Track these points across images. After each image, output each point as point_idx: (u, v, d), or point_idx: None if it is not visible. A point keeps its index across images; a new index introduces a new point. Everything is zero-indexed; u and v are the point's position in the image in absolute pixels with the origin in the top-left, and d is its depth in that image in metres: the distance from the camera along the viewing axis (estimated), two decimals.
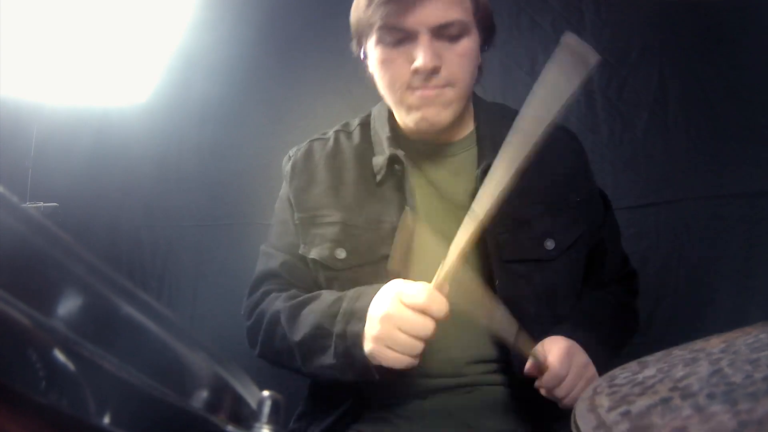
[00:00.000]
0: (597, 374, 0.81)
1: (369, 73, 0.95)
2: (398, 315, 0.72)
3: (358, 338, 0.76)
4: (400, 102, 0.87)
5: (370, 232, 0.90)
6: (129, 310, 0.28)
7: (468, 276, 0.77)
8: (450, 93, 0.86)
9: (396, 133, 0.95)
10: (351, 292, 0.83)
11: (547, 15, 1.39)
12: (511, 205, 0.90)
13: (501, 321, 0.77)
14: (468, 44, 0.86)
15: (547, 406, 0.81)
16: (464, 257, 0.73)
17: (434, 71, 0.83)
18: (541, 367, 0.78)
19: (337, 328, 0.79)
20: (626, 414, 0.35)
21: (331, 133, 1.01)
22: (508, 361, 0.87)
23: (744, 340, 0.41)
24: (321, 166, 0.96)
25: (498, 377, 0.89)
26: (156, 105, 1.51)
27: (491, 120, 0.95)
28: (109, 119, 1.51)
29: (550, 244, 0.90)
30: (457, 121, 0.91)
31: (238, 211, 1.51)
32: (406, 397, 0.88)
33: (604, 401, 0.37)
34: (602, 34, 1.36)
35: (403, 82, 0.85)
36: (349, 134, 1.00)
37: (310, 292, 0.93)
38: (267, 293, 0.94)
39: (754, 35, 1.24)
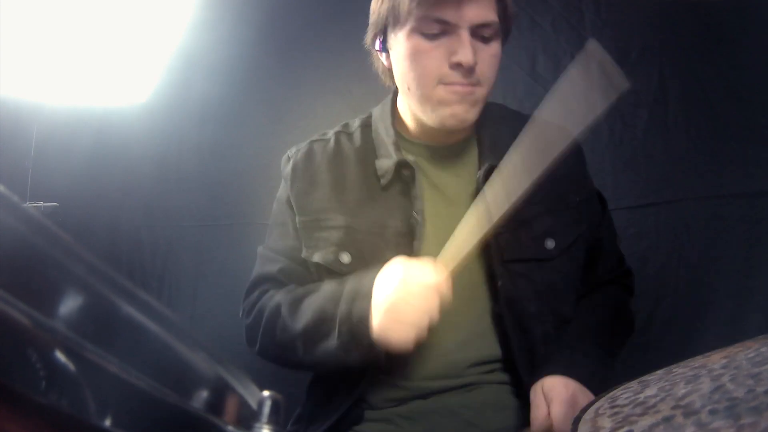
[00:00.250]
0: None
1: (381, 65, 0.94)
2: (407, 289, 0.74)
3: (365, 316, 0.77)
4: (429, 96, 0.86)
5: (374, 236, 0.90)
6: (129, 310, 0.28)
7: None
8: (480, 92, 0.86)
9: (400, 136, 0.95)
10: (352, 276, 0.84)
11: (547, 15, 1.39)
12: (512, 206, 0.91)
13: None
14: (497, 46, 0.87)
15: None
16: (469, 242, 0.74)
17: (473, 68, 0.83)
18: (547, 427, 0.78)
19: (342, 309, 0.80)
20: None
21: (331, 135, 1.00)
22: (510, 361, 0.88)
23: (745, 354, 0.41)
24: (323, 169, 0.95)
25: (499, 376, 0.89)
26: (156, 105, 1.51)
27: (491, 121, 0.95)
28: (109, 119, 1.51)
29: (550, 244, 0.90)
30: None
31: (238, 211, 1.51)
32: (408, 397, 0.88)
33: (606, 422, 0.37)
34: (602, 34, 1.36)
35: (438, 75, 0.84)
36: (349, 135, 0.99)
37: None
38: (264, 292, 0.94)
39: (754, 35, 1.24)
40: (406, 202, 0.90)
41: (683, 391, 0.38)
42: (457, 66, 0.83)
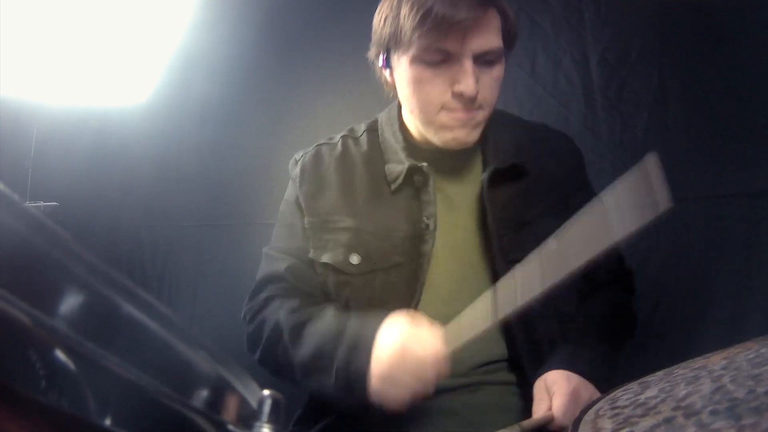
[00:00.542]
0: None
1: (384, 79, 0.95)
2: (406, 359, 0.74)
3: (362, 373, 0.76)
4: (432, 121, 0.88)
5: (382, 240, 0.90)
6: (129, 309, 0.28)
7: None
8: (481, 115, 0.87)
9: (408, 142, 0.95)
10: (354, 321, 0.82)
11: (547, 15, 1.39)
12: (512, 208, 0.91)
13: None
14: (500, 68, 0.87)
15: None
16: (476, 328, 0.72)
17: (475, 96, 0.84)
18: (548, 420, 0.78)
19: (340, 356, 0.79)
20: None
21: (338, 139, 1.01)
22: (514, 361, 0.88)
23: (745, 355, 0.41)
24: (330, 171, 0.96)
25: (504, 376, 0.90)
26: (156, 105, 1.51)
27: (495, 126, 0.96)
28: (109, 119, 1.51)
29: (553, 244, 0.90)
30: None
31: (238, 211, 1.50)
32: None
33: (606, 424, 0.37)
34: (602, 34, 1.36)
35: (440, 102, 0.86)
36: (356, 140, 1.00)
37: (316, 296, 0.93)
38: (271, 298, 0.94)
39: (754, 35, 1.24)
40: (415, 207, 0.91)
41: (684, 392, 0.38)
42: (459, 95, 0.84)
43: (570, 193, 0.96)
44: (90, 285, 0.27)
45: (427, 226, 0.89)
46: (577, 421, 0.40)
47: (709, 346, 0.50)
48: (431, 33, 0.81)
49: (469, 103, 0.85)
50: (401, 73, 0.89)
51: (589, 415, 0.40)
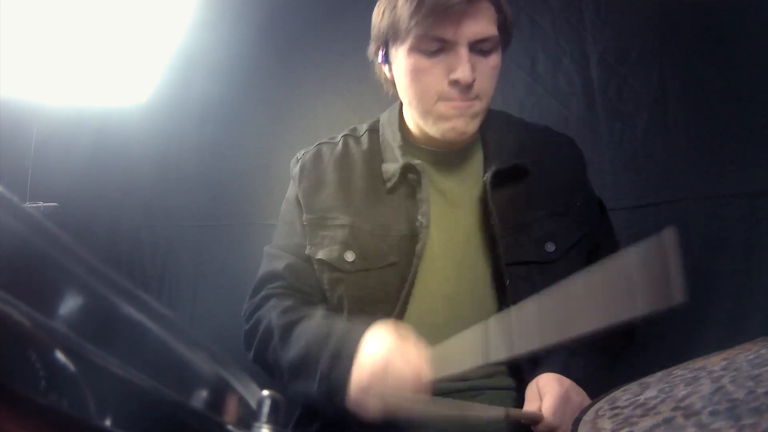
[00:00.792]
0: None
1: (384, 75, 0.95)
2: (387, 374, 0.73)
3: (342, 381, 0.76)
4: (429, 111, 0.88)
5: (378, 238, 0.91)
6: (129, 310, 0.28)
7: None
8: (478, 105, 0.88)
9: (406, 141, 0.95)
10: (340, 327, 0.82)
11: (547, 15, 1.39)
12: (513, 210, 0.91)
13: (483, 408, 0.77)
14: (497, 58, 0.88)
15: None
16: (464, 364, 0.71)
17: (471, 84, 0.84)
18: (536, 418, 0.77)
19: (323, 363, 0.79)
20: None
21: (339, 138, 1.01)
22: (515, 365, 0.88)
23: (745, 356, 0.41)
24: (329, 169, 0.97)
25: (502, 381, 0.89)
26: (156, 105, 1.51)
27: (496, 127, 0.96)
28: (109, 119, 1.50)
29: (550, 247, 0.90)
30: None
31: (238, 211, 1.50)
32: None
33: (606, 424, 0.37)
34: (602, 34, 1.36)
35: (437, 92, 0.86)
36: (357, 139, 1.00)
37: (313, 295, 0.94)
38: (267, 298, 0.94)
39: (754, 35, 1.24)
40: (410, 206, 0.91)
41: (683, 392, 0.38)
42: (455, 83, 0.84)
43: (571, 195, 0.96)
44: (90, 286, 0.27)
45: (421, 224, 0.89)
46: (577, 421, 0.40)
47: (709, 346, 0.50)
48: (426, 20, 0.82)
49: (466, 90, 0.85)
50: (399, 65, 0.89)
51: (589, 415, 0.40)
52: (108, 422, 0.25)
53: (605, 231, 1.02)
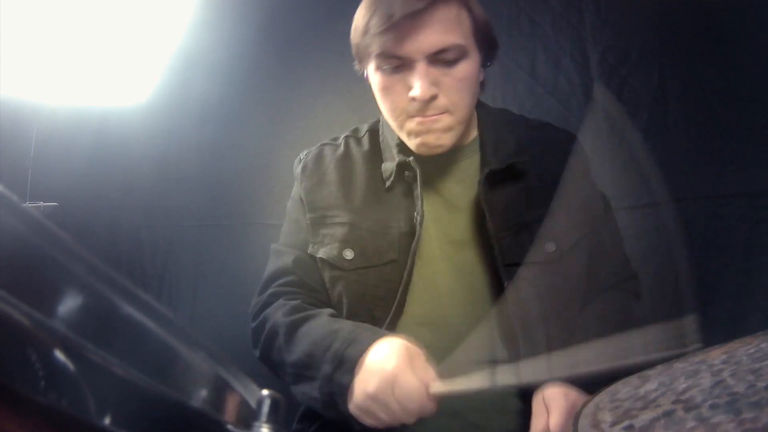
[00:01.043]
0: None
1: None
2: (392, 393, 0.72)
3: (344, 390, 0.76)
4: (401, 127, 0.89)
5: (378, 236, 0.91)
6: (129, 310, 0.28)
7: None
8: (448, 119, 0.87)
9: (404, 140, 0.96)
10: (345, 332, 0.81)
11: (547, 15, 1.39)
12: (511, 210, 0.91)
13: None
14: (466, 67, 0.86)
15: None
16: (471, 384, 0.71)
17: (431, 99, 0.83)
18: None
19: (325, 368, 0.79)
20: (630, 428, 0.35)
21: (341, 139, 1.02)
22: (518, 362, 0.87)
23: (745, 350, 0.41)
24: (331, 169, 0.98)
25: None
26: (156, 105, 1.51)
27: (495, 126, 0.96)
28: (109, 119, 1.51)
29: (550, 247, 0.90)
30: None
31: (238, 211, 1.50)
32: None
33: (606, 416, 0.37)
34: (602, 34, 1.36)
35: (402, 109, 0.86)
36: (358, 140, 1.01)
37: (319, 293, 0.94)
38: (275, 295, 0.94)
39: (754, 35, 1.24)
40: (408, 203, 0.92)
41: (683, 385, 0.38)
42: (413, 100, 0.84)
43: (572, 193, 0.95)
44: (90, 285, 0.27)
45: (417, 221, 0.89)
46: (578, 414, 0.40)
47: (709, 346, 0.50)
48: (378, 39, 0.82)
49: (426, 106, 0.84)
50: (372, 82, 0.91)
51: (589, 408, 0.40)
52: (108, 422, 0.25)
53: (609, 227, 1.01)
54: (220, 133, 1.53)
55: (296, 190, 1.01)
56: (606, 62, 1.35)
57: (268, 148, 1.46)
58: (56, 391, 0.23)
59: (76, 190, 1.45)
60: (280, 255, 0.98)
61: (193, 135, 1.53)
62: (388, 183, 0.93)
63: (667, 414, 0.34)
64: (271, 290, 0.95)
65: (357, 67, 0.95)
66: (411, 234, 0.90)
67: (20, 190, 1.40)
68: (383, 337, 0.78)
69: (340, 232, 0.92)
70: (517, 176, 0.93)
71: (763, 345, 0.40)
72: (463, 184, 0.94)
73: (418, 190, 0.90)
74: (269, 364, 0.93)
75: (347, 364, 0.77)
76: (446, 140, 0.88)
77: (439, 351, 0.86)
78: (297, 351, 0.84)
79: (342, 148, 1.00)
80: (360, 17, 0.87)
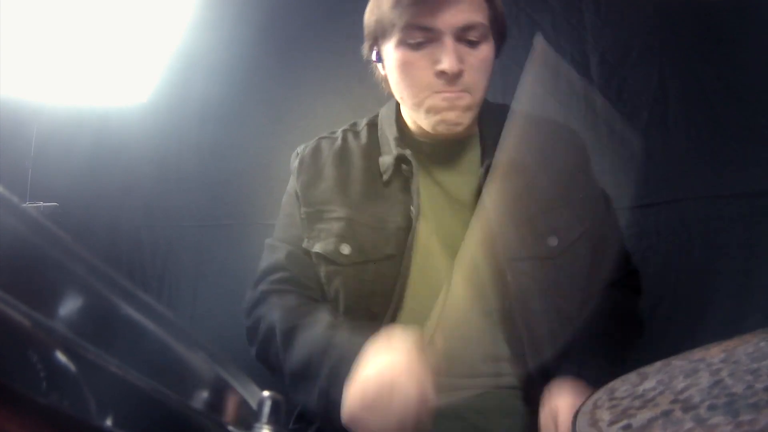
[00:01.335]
0: None
1: (381, 74, 0.95)
2: (389, 399, 0.70)
3: (341, 398, 0.74)
4: (420, 104, 0.88)
5: (375, 231, 0.90)
6: (129, 310, 0.28)
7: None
8: (468, 98, 0.87)
9: (403, 133, 0.95)
10: (340, 341, 0.80)
11: (547, 15, 1.39)
12: (512, 204, 0.91)
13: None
14: (487, 49, 0.87)
15: None
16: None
17: (459, 74, 0.84)
18: None
19: (323, 378, 0.78)
20: (627, 428, 0.35)
21: (339, 133, 1.02)
22: (519, 363, 0.87)
23: (744, 349, 0.40)
24: (328, 163, 0.97)
25: (509, 380, 0.89)
26: (156, 105, 1.51)
27: (494, 120, 0.96)
28: (109, 119, 1.51)
29: (552, 242, 0.90)
30: None
31: (238, 211, 1.50)
32: None
33: (604, 415, 0.37)
34: (602, 34, 1.35)
35: (425, 84, 0.86)
36: (356, 134, 1.01)
37: (313, 289, 0.93)
38: (267, 293, 0.94)
39: (754, 35, 1.24)
40: (406, 198, 0.91)
41: (682, 384, 0.38)
42: (442, 74, 0.84)
43: (574, 188, 0.95)
44: (90, 286, 0.27)
45: (413, 215, 0.89)
46: (576, 412, 0.40)
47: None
48: (408, 10, 0.82)
49: (453, 81, 0.84)
50: (389, 60, 0.89)
51: (587, 406, 0.40)
52: (108, 422, 0.25)
53: (610, 223, 1.01)
54: (220, 133, 1.53)
55: (292, 184, 1.00)
56: (606, 62, 1.35)
57: (268, 148, 1.46)
58: (57, 392, 0.23)
59: (76, 190, 1.45)
60: (273, 249, 0.97)
61: (193, 135, 1.53)
62: (385, 177, 0.92)
63: (665, 414, 0.34)
64: (263, 286, 0.94)
65: (365, 50, 0.94)
66: (408, 228, 0.89)
67: (20, 190, 1.40)
68: (380, 343, 0.75)
69: (336, 226, 0.92)
70: (518, 170, 0.93)
71: (762, 344, 0.40)
72: (464, 177, 0.94)
73: (414, 184, 0.90)
74: (266, 365, 0.92)
75: (341, 381, 0.74)
76: (465, 119, 0.88)
77: (445, 349, 0.86)
78: (293, 362, 0.83)
79: (339, 141, 0.99)
80: None
